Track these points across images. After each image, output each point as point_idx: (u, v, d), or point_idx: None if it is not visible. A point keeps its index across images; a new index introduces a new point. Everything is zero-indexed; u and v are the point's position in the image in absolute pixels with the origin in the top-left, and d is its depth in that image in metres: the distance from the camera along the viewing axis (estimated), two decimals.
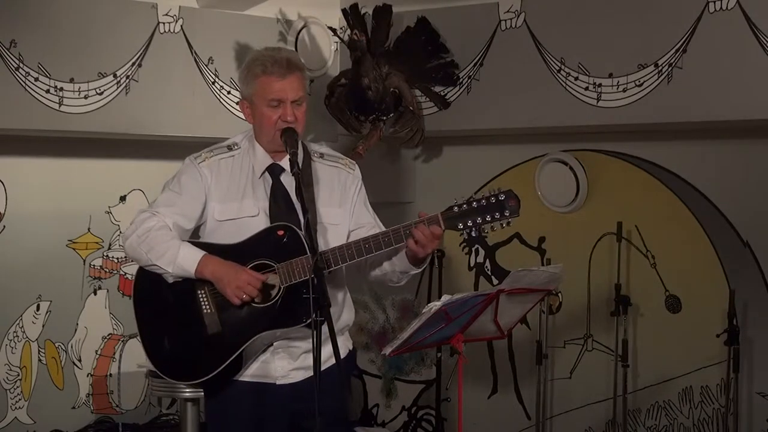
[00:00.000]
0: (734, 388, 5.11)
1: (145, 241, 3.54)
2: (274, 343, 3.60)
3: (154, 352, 3.60)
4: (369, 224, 3.75)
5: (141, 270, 3.64)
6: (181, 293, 3.57)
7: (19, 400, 5.60)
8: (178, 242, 3.55)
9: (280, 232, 3.53)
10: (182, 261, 3.51)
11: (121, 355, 5.89)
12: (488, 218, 3.49)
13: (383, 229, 3.73)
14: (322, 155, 3.74)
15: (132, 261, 3.67)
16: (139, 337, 3.64)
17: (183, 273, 3.53)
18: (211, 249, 3.56)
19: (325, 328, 3.26)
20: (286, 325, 3.51)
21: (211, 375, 3.55)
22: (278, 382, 3.62)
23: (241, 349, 3.53)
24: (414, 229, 3.50)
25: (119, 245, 5.83)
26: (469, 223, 3.50)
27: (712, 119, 4.96)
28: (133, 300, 3.67)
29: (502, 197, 3.50)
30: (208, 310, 3.55)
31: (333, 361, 3.51)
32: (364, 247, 3.52)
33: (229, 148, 3.68)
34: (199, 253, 3.53)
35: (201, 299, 3.55)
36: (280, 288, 3.52)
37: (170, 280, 3.56)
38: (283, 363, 3.61)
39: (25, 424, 5.61)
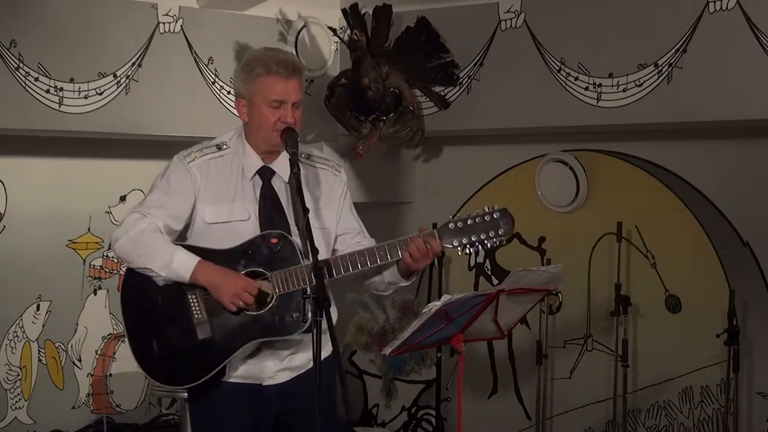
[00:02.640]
0: (734, 388, 5.11)
1: (137, 243, 3.51)
2: (261, 345, 3.59)
3: (141, 355, 3.58)
4: (354, 230, 3.76)
5: (130, 271, 3.60)
6: (171, 297, 3.55)
7: (19, 400, 5.60)
8: (173, 247, 3.53)
9: (274, 240, 3.53)
10: (177, 267, 3.49)
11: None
12: (482, 236, 3.53)
13: (367, 235, 3.77)
14: (309, 156, 3.73)
15: (121, 261, 3.65)
16: (126, 339, 3.61)
17: (177, 278, 3.51)
18: (203, 254, 3.54)
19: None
20: (281, 333, 3.50)
21: (199, 381, 3.54)
22: (265, 383, 3.61)
23: (231, 357, 3.52)
24: (411, 243, 3.52)
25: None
26: (464, 241, 3.54)
27: (712, 119, 4.96)
28: (121, 300, 3.64)
29: (496, 215, 3.54)
30: (199, 316, 3.52)
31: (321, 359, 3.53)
32: (359, 260, 3.54)
33: (218, 147, 3.65)
34: (194, 259, 3.50)
35: (192, 304, 3.53)
36: (273, 296, 3.51)
37: (161, 282, 3.54)
38: (269, 364, 3.60)
39: (25, 424, 5.62)
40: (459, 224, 3.54)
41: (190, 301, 3.53)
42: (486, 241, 3.53)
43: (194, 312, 3.53)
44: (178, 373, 3.57)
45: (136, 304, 3.59)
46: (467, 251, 3.56)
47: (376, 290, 3.77)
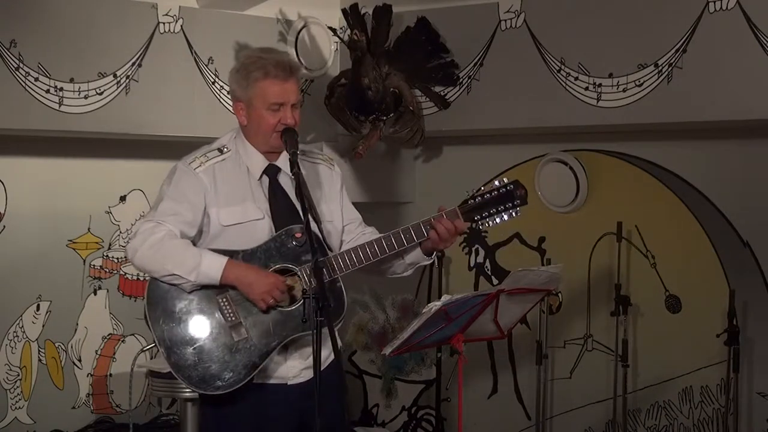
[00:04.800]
0: (734, 388, 5.11)
1: (160, 251, 3.48)
2: (287, 344, 3.59)
3: (179, 365, 3.52)
4: (357, 219, 3.80)
5: (153, 283, 3.55)
6: (201, 303, 3.53)
7: (19, 400, 5.60)
8: (198, 249, 3.52)
9: (298, 235, 3.53)
10: (206, 268, 3.47)
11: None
12: (500, 208, 3.62)
13: (364, 223, 3.81)
14: (304, 153, 3.72)
15: (143, 272, 3.60)
16: (162, 353, 3.54)
17: (207, 280, 3.49)
18: (230, 255, 3.52)
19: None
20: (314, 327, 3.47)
21: (242, 383, 3.50)
22: (290, 383, 3.61)
23: (271, 355, 3.52)
24: (437, 223, 3.58)
25: (120, 245, 5.83)
26: (485, 214, 3.62)
27: (712, 119, 4.96)
28: (148, 314, 3.55)
29: (510, 187, 3.64)
30: (232, 318, 3.51)
31: (331, 358, 3.58)
32: (386, 244, 3.57)
33: (220, 151, 3.63)
34: (222, 259, 3.49)
35: (223, 307, 3.52)
36: (304, 291, 3.51)
37: (188, 289, 3.51)
38: (295, 363, 3.60)
39: (25, 424, 5.62)
40: (477, 199, 3.62)
41: (221, 304, 3.52)
42: (503, 213, 3.62)
43: (227, 315, 3.52)
44: (219, 378, 3.52)
45: (165, 315, 3.53)
46: (488, 224, 3.63)
47: (393, 273, 3.77)
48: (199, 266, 3.47)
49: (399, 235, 3.58)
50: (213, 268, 3.48)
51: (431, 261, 3.74)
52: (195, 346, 3.52)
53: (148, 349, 5.71)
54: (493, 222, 3.63)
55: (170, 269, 3.48)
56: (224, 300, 3.52)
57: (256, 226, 3.58)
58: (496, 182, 3.65)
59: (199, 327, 3.53)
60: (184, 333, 3.53)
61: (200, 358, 3.52)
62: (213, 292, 3.53)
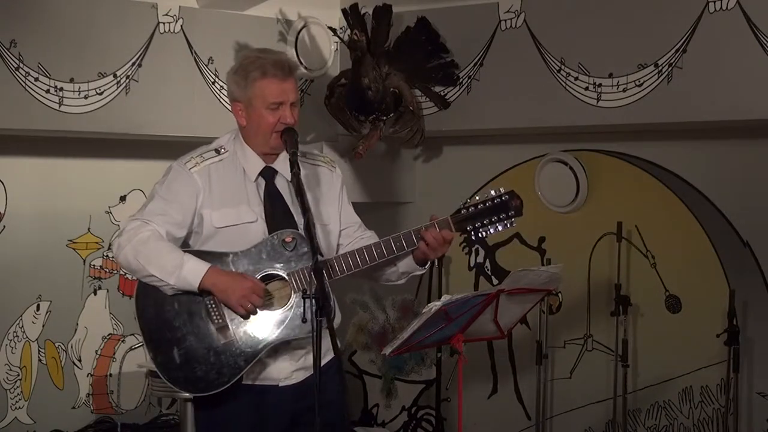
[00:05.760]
0: (734, 388, 5.11)
1: (143, 252, 3.46)
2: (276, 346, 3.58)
3: (165, 366, 3.52)
4: (356, 223, 3.78)
5: (142, 282, 3.55)
6: (188, 304, 3.51)
7: (19, 400, 5.60)
8: (181, 254, 3.49)
9: (288, 239, 3.53)
10: (186, 273, 3.45)
11: (123, 356, 5.88)
12: (494, 219, 3.58)
13: (365, 227, 3.79)
14: (304, 155, 3.71)
15: (126, 271, 3.60)
16: (148, 352, 3.55)
17: (186, 286, 3.47)
18: (219, 257, 3.52)
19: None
20: (304, 331, 3.47)
21: (227, 385, 3.50)
22: (281, 384, 3.59)
23: (257, 358, 3.51)
24: (426, 232, 3.55)
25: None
26: (477, 225, 3.58)
27: (712, 119, 4.97)
28: (136, 313, 3.56)
29: (505, 197, 3.60)
30: (219, 320, 3.51)
31: (329, 357, 3.53)
32: (376, 252, 3.55)
33: (217, 151, 3.62)
34: (204, 266, 3.47)
35: (210, 309, 3.51)
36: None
37: (169, 293, 3.50)
38: (285, 365, 3.59)
39: (25, 424, 5.62)
40: (471, 209, 3.59)
41: (208, 306, 3.51)
42: (498, 224, 3.59)
43: (214, 317, 3.51)
44: (204, 380, 3.51)
45: (152, 316, 3.53)
46: (480, 235, 3.60)
47: (387, 281, 3.76)
48: (179, 270, 3.45)
49: (389, 243, 3.57)
50: (192, 273, 3.45)
51: (425, 271, 3.73)
52: (181, 347, 3.51)
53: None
54: (486, 232, 3.59)
55: (151, 271, 3.47)
56: (211, 302, 3.51)
57: (249, 229, 3.56)
58: (492, 192, 3.61)
59: (186, 328, 3.51)
60: (170, 333, 3.52)
61: (186, 359, 3.51)
62: (201, 293, 3.50)
